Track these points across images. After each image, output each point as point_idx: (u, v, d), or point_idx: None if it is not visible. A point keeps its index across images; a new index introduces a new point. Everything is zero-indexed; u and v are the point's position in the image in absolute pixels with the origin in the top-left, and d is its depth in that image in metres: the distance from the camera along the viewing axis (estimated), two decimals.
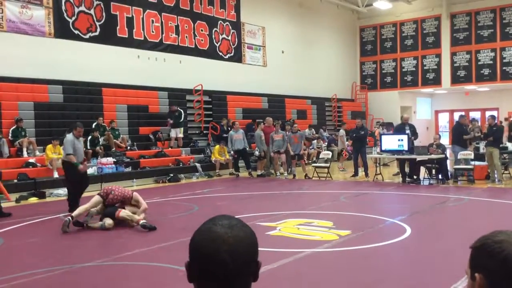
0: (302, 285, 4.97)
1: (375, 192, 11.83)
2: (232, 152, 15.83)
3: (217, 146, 16.39)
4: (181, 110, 16.86)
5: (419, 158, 12.82)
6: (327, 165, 14.72)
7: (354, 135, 14.79)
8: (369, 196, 11.29)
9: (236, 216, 1.27)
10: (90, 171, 12.99)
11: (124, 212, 7.71)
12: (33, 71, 14.29)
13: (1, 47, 13.62)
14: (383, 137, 13.96)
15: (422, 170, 13.25)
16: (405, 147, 12.88)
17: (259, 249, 1.25)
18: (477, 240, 1.23)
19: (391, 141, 13.38)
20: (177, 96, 17.73)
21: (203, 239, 1.20)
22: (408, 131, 13.39)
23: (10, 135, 13.04)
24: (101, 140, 14.55)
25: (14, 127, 13.13)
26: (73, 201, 9.18)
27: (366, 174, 14.11)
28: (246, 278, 1.21)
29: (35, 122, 13.93)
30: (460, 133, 13.18)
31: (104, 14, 16.15)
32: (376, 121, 24.39)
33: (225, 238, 1.18)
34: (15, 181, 11.75)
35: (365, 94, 27.74)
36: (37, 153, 13.07)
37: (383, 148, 13.53)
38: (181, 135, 16.66)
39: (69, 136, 9.33)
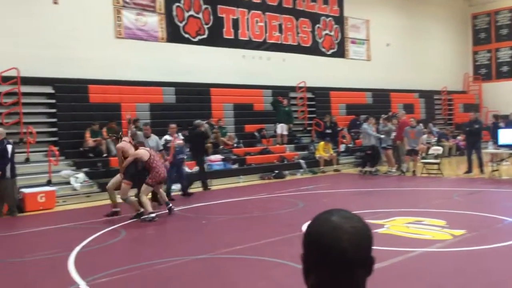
0: (416, 284, 4.83)
1: (491, 190, 11.10)
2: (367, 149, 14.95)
3: (322, 143, 16.34)
4: (291, 107, 16.98)
5: None
6: (438, 161, 14.04)
7: (468, 129, 13.93)
8: (485, 194, 10.62)
9: None
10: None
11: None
12: (148, 74, 15.25)
13: (120, 53, 14.69)
14: (501, 131, 13.04)
15: None
16: None
17: None
18: None
19: (509, 135, 12.46)
20: (281, 93, 17.91)
21: (322, 229, 1.18)
22: None
23: None
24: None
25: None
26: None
27: (481, 171, 13.26)
28: (363, 270, 1.20)
29: (150, 123, 14.83)
30: None
31: (211, 17, 16.81)
32: (492, 114, 22.76)
33: (345, 228, 1.17)
34: None
35: (479, 85, 25.99)
36: None
37: (500, 143, 12.64)
38: (286, 132, 16.84)
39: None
